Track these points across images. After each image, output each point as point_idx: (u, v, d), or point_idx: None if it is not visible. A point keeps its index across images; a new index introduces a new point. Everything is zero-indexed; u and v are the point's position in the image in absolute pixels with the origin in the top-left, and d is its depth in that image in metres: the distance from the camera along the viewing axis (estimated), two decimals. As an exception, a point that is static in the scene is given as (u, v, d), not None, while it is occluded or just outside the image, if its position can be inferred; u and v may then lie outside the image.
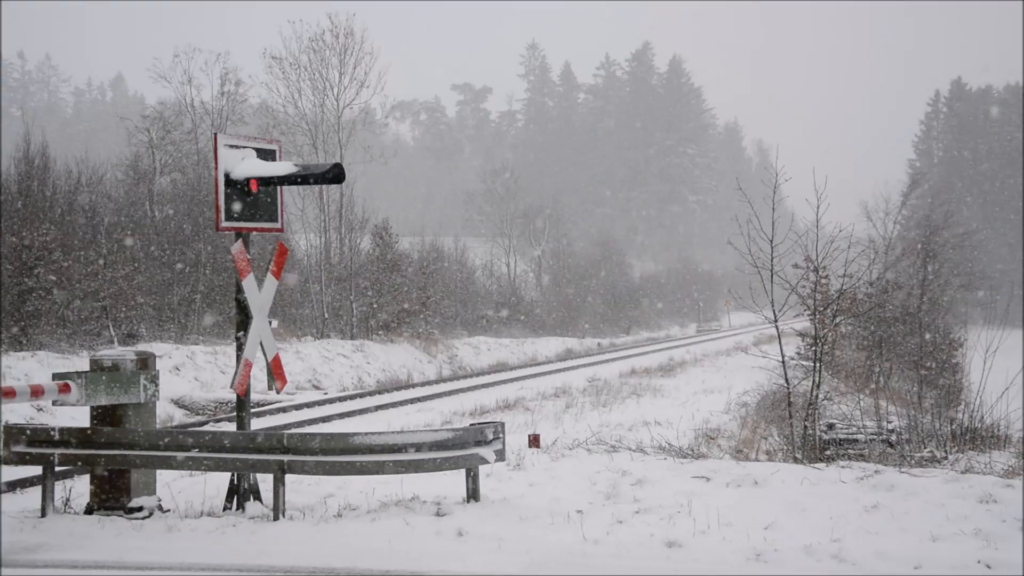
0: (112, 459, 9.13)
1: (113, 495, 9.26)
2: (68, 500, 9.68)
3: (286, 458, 8.80)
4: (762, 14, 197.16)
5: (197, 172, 34.91)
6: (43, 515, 9.16)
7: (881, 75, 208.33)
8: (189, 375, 23.34)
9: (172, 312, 29.89)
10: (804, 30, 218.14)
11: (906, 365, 24.74)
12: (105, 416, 9.41)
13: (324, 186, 33.45)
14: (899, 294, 29.27)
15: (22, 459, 9.32)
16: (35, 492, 10.98)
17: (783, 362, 15.55)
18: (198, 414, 21.01)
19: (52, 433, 9.27)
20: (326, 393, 25.43)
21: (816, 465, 10.55)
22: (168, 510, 9.43)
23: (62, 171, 29.46)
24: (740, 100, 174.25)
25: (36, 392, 8.83)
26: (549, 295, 62.20)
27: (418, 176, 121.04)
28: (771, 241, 14.77)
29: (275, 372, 9.95)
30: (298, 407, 21.29)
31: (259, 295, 9.56)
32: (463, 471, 9.30)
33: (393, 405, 22.14)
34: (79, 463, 9.42)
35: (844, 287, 16.32)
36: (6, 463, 9.41)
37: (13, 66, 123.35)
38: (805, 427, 14.70)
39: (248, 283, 9.43)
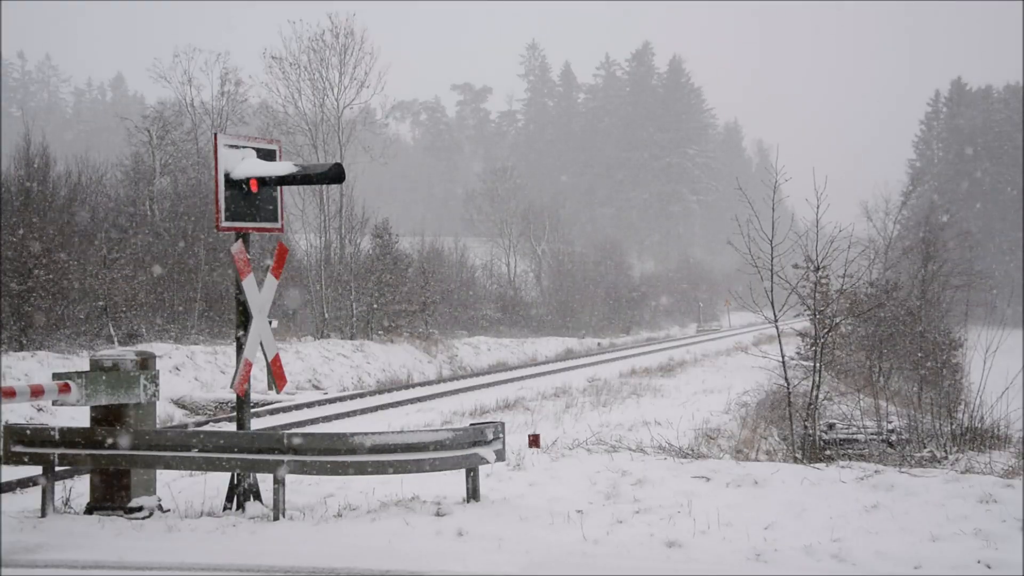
0: (112, 459, 9.13)
1: (113, 495, 9.26)
2: (68, 500, 9.68)
3: (286, 458, 8.80)
4: (762, 14, 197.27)
5: (197, 172, 34.93)
6: (43, 515, 9.15)
7: (881, 75, 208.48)
8: (189, 375, 23.34)
9: (172, 312, 29.89)
10: (804, 30, 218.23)
11: (906, 365, 24.75)
12: (105, 416, 9.41)
13: (324, 186, 33.46)
14: (899, 294, 29.27)
15: (22, 459, 9.32)
16: (35, 492, 10.98)
17: (783, 362, 15.57)
18: (198, 414, 21.01)
19: (52, 433, 9.26)
20: (326, 393, 25.43)
21: (816, 465, 10.55)
22: (168, 510, 9.43)
23: (62, 171, 29.48)
24: (740, 100, 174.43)
25: (36, 392, 8.82)
26: (549, 295, 62.20)
27: (418, 176, 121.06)
28: (771, 241, 14.78)
29: (275, 372, 9.94)
30: (298, 407, 21.28)
31: (259, 295, 9.56)
32: (463, 471, 9.30)
33: (393, 405, 22.13)
34: (79, 463, 9.42)
35: (844, 287, 16.34)
36: (6, 463, 9.41)
37: (13, 66, 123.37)
38: (805, 427, 14.73)
39: (248, 283, 9.43)
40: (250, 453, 8.92)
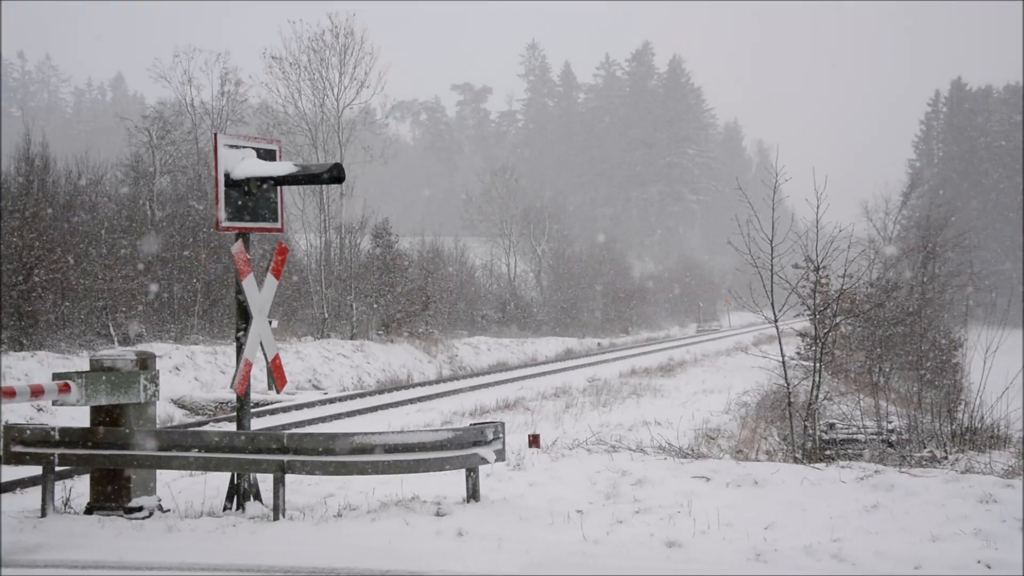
0: (112, 459, 9.13)
1: (113, 495, 9.26)
2: (68, 500, 9.68)
3: (286, 458, 8.80)
4: (762, 14, 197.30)
5: (197, 172, 34.92)
6: (43, 515, 9.16)
7: (881, 75, 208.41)
8: (189, 375, 23.34)
9: (172, 312, 29.89)
10: (804, 30, 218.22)
11: (906, 365, 24.73)
12: (105, 416, 9.41)
13: (324, 186, 33.46)
14: (899, 294, 29.27)
15: (22, 459, 9.32)
16: (35, 492, 10.98)
17: (783, 362, 15.56)
18: (198, 414, 21.01)
19: (52, 433, 9.26)
20: (326, 393, 25.43)
21: (816, 465, 10.55)
22: (168, 510, 9.43)
23: (62, 171, 29.49)
24: (740, 100, 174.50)
25: (36, 392, 8.82)
26: (549, 295, 62.19)
27: (418, 176, 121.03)
28: (771, 241, 14.77)
29: (275, 372, 9.94)
30: (298, 407, 21.28)
31: (259, 295, 9.56)
32: (463, 471, 9.30)
33: (393, 405, 22.14)
34: (79, 463, 9.42)
35: (844, 287, 16.33)
36: (6, 463, 9.41)
37: (13, 66, 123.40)
38: (805, 427, 14.72)
39: (248, 283, 9.43)
40: (250, 453, 8.92)
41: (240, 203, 9.38)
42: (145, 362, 9.53)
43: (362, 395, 24.38)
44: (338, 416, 19.95)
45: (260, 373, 20.92)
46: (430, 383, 28.32)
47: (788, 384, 15.38)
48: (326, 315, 35.29)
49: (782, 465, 10.65)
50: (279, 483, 8.82)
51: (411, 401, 23.06)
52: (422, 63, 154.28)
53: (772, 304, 15.08)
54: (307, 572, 7.30)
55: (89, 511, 9.28)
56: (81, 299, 25.10)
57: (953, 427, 14.71)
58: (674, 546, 7.68)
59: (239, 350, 9.45)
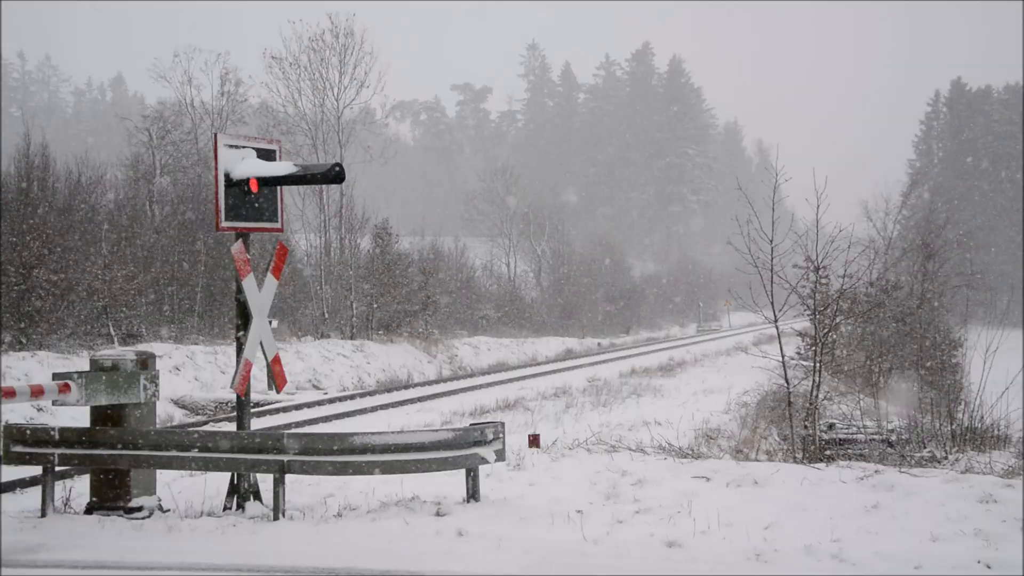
0: (112, 459, 9.13)
1: (113, 495, 9.26)
2: (68, 500, 9.68)
3: (286, 458, 8.81)
4: (762, 14, 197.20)
5: (197, 172, 34.95)
6: (43, 515, 9.16)
7: (881, 75, 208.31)
8: (189, 375, 23.35)
9: (172, 312, 29.89)
10: (804, 30, 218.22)
11: (906, 365, 24.71)
12: (105, 416, 9.41)
13: (324, 186, 33.47)
14: (899, 294, 29.25)
15: (22, 459, 9.32)
16: (35, 492, 10.98)
17: (783, 362, 15.53)
18: (198, 414, 21.01)
19: (52, 433, 9.27)
20: (326, 393, 25.43)
21: (816, 465, 10.54)
22: (168, 510, 9.44)
23: (62, 171, 29.50)
24: (740, 100, 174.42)
25: (36, 392, 8.83)
26: (549, 295, 62.19)
27: (418, 176, 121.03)
28: (771, 241, 14.75)
29: (275, 372, 9.94)
30: (298, 407, 21.28)
31: (259, 295, 9.56)
32: (463, 471, 9.31)
33: (393, 405, 22.14)
34: (79, 463, 9.42)
35: (844, 287, 16.32)
36: (6, 463, 9.41)
37: (13, 66, 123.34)
38: (805, 427, 14.71)
39: (248, 283, 9.43)
40: (250, 453, 8.92)
41: (240, 203, 9.39)
42: (145, 362, 9.54)
43: (362, 395, 24.39)
44: (338, 416, 19.96)
45: (260, 373, 20.91)
46: (430, 383, 28.33)
47: (788, 384, 15.37)
48: (326, 315, 35.29)
49: (782, 465, 10.64)
50: (279, 483, 8.82)
51: (411, 401, 23.06)
52: (422, 63, 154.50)
53: (772, 304, 15.06)
54: (307, 572, 7.30)
55: (89, 511, 9.29)
56: (81, 299, 25.10)
57: (953, 427, 14.71)
58: (674, 546, 7.68)
59: (239, 350, 9.46)
